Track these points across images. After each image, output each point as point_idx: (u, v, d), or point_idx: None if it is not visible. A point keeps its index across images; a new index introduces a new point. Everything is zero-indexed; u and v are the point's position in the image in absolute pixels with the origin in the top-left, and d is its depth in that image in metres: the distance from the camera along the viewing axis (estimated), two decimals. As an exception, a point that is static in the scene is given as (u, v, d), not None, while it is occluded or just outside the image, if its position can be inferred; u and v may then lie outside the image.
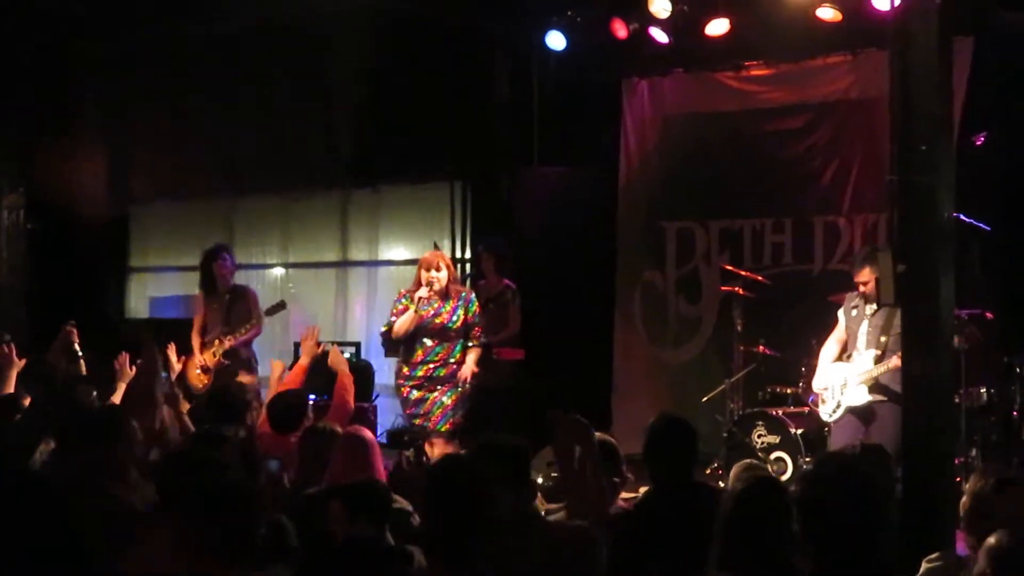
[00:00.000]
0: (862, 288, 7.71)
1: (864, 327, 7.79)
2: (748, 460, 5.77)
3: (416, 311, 8.01)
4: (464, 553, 3.38)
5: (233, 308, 9.41)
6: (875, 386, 7.62)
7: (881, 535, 3.43)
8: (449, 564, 3.37)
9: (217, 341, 9.24)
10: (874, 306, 7.71)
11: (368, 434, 6.21)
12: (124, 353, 6.82)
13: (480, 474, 3.70)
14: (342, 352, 10.99)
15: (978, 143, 8.37)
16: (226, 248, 9.96)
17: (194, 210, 13.78)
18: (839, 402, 7.78)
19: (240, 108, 12.77)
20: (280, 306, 9.48)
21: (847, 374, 7.77)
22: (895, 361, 7.42)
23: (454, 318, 8.04)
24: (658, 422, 5.04)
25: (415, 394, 8.09)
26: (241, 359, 9.28)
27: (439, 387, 8.02)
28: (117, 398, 6.83)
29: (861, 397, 7.66)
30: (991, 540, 3.57)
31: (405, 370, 8.18)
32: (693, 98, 10.49)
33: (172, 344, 9.03)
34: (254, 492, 3.77)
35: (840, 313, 8.01)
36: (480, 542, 3.42)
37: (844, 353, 7.92)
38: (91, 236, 13.16)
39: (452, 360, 8.07)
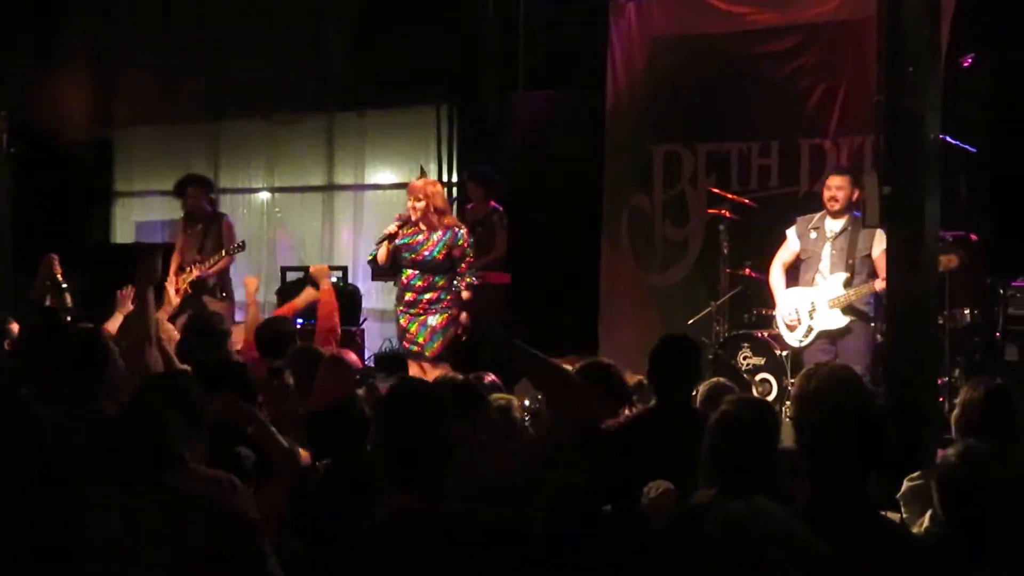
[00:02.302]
0: (834, 192, 7.78)
1: (827, 249, 7.86)
2: (715, 379, 5.83)
3: (395, 234, 8.04)
4: (418, 478, 3.36)
5: (207, 237, 9.45)
6: (848, 308, 7.73)
7: (877, 461, 3.45)
8: (403, 488, 3.35)
9: (188, 269, 9.27)
10: (835, 229, 7.79)
11: (352, 356, 6.24)
12: (130, 286, 6.75)
13: (434, 398, 3.68)
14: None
15: (965, 65, 8.34)
16: (200, 181, 9.99)
17: (179, 134, 13.72)
18: (809, 327, 7.87)
19: (226, 31, 12.66)
20: (238, 247, 9.43)
21: (814, 298, 7.84)
22: (870, 284, 7.54)
23: (435, 251, 7.97)
24: (664, 341, 5.07)
25: (402, 320, 8.11)
26: (208, 287, 9.35)
27: (425, 311, 8.00)
28: (113, 326, 6.82)
29: (836, 320, 7.77)
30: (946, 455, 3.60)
31: (397, 297, 8.23)
32: (681, 20, 10.39)
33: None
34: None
35: (791, 234, 8.08)
36: (433, 467, 3.41)
37: (799, 278, 8.00)
38: (75, 160, 13.10)
39: (438, 284, 8.04)
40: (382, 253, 8.12)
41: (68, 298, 6.28)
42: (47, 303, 6.18)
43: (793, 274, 8.18)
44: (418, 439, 3.41)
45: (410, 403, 3.57)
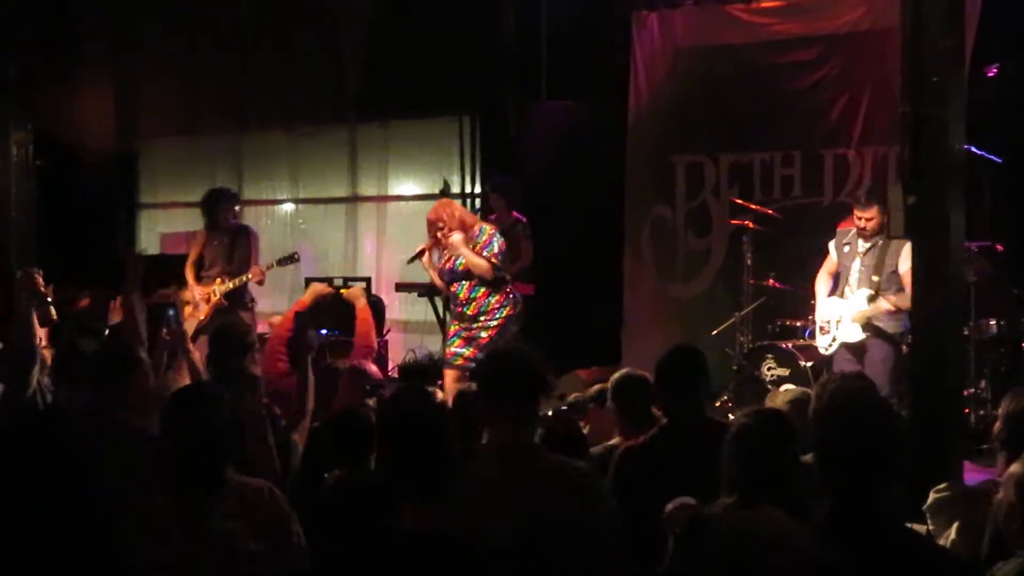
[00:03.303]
0: (864, 223, 7.77)
1: (856, 265, 7.91)
2: (800, 390, 5.79)
3: (433, 267, 8.22)
4: (431, 494, 3.31)
5: (236, 249, 9.45)
6: (867, 325, 7.77)
7: (896, 469, 3.43)
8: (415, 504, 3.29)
9: (219, 280, 9.29)
10: (867, 244, 7.80)
11: (371, 368, 6.24)
12: (120, 297, 6.72)
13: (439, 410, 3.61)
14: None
15: (990, 75, 8.32)
16: (234, 196, 10.04)
17: (203, 146, 13.76)
18: (834, 336, 7.97)
19: (248, 43, 12.72)
20: (291, 259, 9.49)
21: (841, 310, 7.93)
22: (886, 305, 7.56)
23: (458, 261, 7.97)
24: (669, 354, 5.04)
25: (451, 328, 8.19)
26: (241, 300, 9.38)
27: (470, 328, 7.97)
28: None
29: (855, 334, 7.88)
30: (1015, 468, 3.58)
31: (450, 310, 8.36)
32: (703, 31, 10.40)
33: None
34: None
35: (831, 246, 8.13)
36: (443, 482, 3.35)
37: (836, 288, 8.06)
38: (100, 172, 13.16)
39: (474, 296, 7.98)
40: (434, 278, 8.28)
41: (52, 312, 6.11)
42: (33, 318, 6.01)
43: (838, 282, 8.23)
44: (426, 453, 3.34)
45: (415, 416, 3.48)
